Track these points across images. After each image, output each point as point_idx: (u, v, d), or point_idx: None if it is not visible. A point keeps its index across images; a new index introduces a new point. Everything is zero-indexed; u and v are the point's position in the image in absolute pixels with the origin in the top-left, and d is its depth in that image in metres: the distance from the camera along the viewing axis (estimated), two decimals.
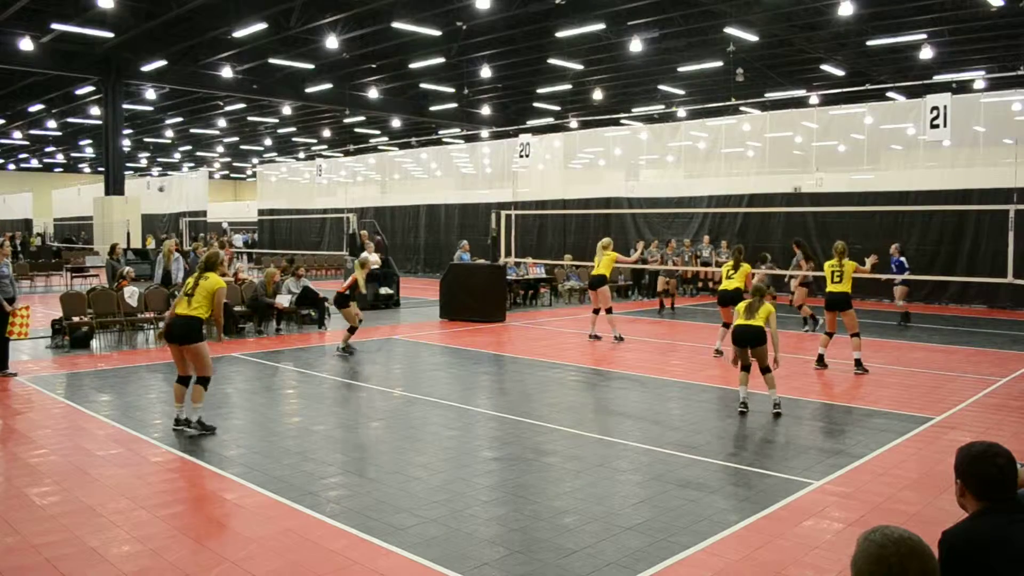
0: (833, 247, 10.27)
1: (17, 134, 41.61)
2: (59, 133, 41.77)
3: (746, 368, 7.87)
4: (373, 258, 17.69)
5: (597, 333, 12.90)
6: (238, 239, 39.10)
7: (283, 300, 13.65)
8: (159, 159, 57.15)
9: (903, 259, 14.95)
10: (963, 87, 19.55)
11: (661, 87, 29.44)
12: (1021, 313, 16.94)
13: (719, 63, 23.95)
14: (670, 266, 17.94)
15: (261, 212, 37.82)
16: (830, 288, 10.11)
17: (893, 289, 15.58)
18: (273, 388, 9.31)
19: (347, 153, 37.57)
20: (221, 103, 34.23)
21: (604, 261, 12.78)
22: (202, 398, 6.94)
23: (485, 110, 34.63)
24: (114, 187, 28.43)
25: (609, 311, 12.73)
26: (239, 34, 22.00)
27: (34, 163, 57.72)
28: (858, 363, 10.01)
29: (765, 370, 7.73)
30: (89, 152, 50.13)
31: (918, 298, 17.96)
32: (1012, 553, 2.28)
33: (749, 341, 7.70)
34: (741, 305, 7.94)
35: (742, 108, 26.54)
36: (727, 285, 11.14)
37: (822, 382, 9.70)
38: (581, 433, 7.06)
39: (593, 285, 12.98)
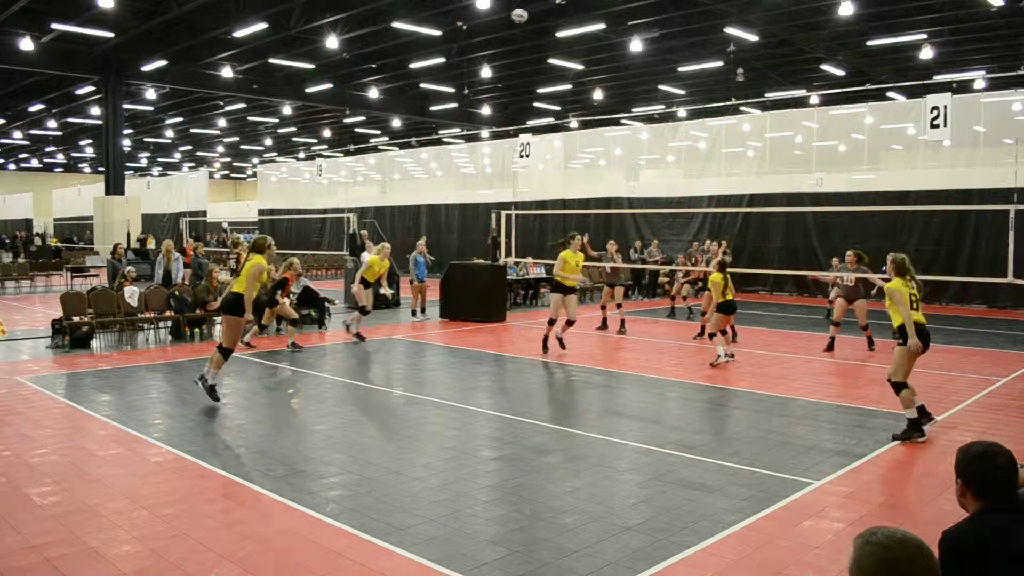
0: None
1: (17, 134, 41.62)
2: (59, 133, 41.78)
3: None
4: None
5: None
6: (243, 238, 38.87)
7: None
8: (159, 159, 57.16)
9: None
10: (963, 87, 19.54)
11: (661, 87, 29.45)
12: (1021, 313, 16.93)
13: (719, 63, 23.95)
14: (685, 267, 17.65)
15: (261, 212, 37.82)
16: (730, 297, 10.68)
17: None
18: (273, 388, 9.31)
19: (347, 153, 37.57)
20: (221, 103, 34.23)
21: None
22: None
23: (485, 110, 34.63)
24: (114, 187, 28.46)
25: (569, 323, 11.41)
26: (239, 34, 22.01)
27: (34, 163, 57.73)
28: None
29: None
30: (89, 152, 50.14)
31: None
32: (1012, 553, 2.28)
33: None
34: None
35: (742, 108, 26.53)
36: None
37: (822, 381, 9.70)
38: (581, 433, 7.06)
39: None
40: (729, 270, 11.41)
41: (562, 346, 11.47)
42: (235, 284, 8.04)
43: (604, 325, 14.18)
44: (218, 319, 13.41)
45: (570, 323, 11.39)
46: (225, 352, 8.00)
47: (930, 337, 6.83)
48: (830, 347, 11.66)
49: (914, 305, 6.78)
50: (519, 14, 17.40)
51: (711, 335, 10.71)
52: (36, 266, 25.57)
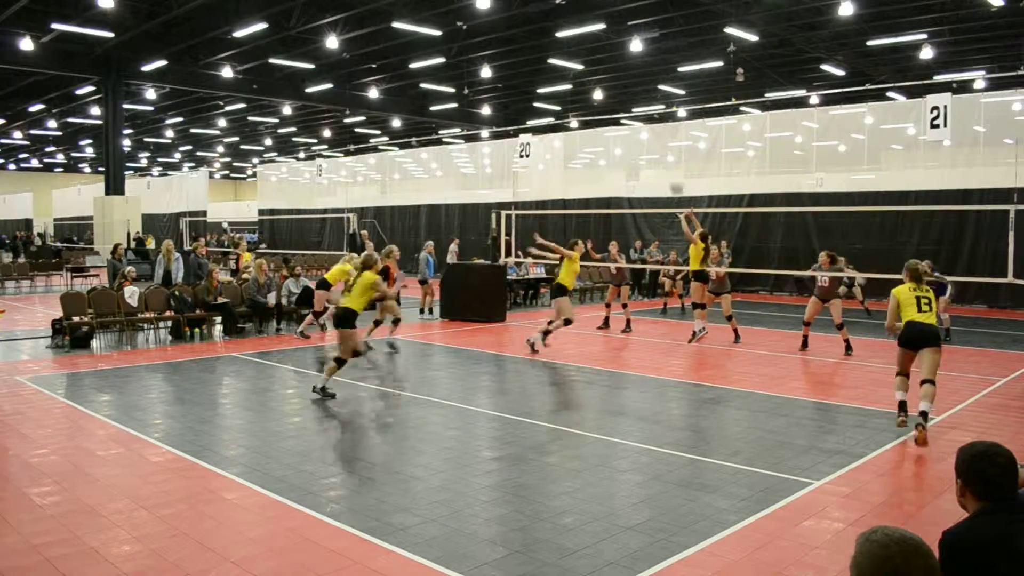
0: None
1: (17, 134, 41.62)
2: (59, 133, 41.77)
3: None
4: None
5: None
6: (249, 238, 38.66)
7: (271, 298, 13.65)
8: (159, 159, 57.17)
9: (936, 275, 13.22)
10: (963, 87, 19.55)
11: (661, 87, 29.45)
12: (1021, 313, 16.93)
13: (719, 63, 23.94)
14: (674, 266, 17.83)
15: (261, 212, 37.84)
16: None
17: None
18: (273, 388, 9.31)
19: (347, 153, 37.59)
20: (221, 103, 34.23)
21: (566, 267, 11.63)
22: None
23: (485, 110, 34.63)
24: (114, 187, 28.46)
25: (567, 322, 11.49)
26: (239, 34, 22.01)
27: (34, 163, 57.73)
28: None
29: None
30: (89, 152, 50.13)
31: None
32: (1012, 553, 2.28)
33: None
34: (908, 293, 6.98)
35: (742, 108, 26.54)
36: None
37: (822, 381, 9.70)
38: (581, 433, 7.05)
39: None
40: (729, 270, 11.58)
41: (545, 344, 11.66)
42: (346, 300, 8.54)
43: (606, 324, 14.27)
44: (218, 319, 13.48)
45: (569, 322, 11.57)
46: (340, 362, 8.43)
47: (922, 336, 6.88)
48: (804, 346, 11.80)
49: (923, 308, 6.96)
50: (676, 188, 17.36)
51: (693, 305, 11.64)
52: (36, 266, 25.56)
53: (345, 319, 8.45)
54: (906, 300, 7.01)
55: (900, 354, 7.04)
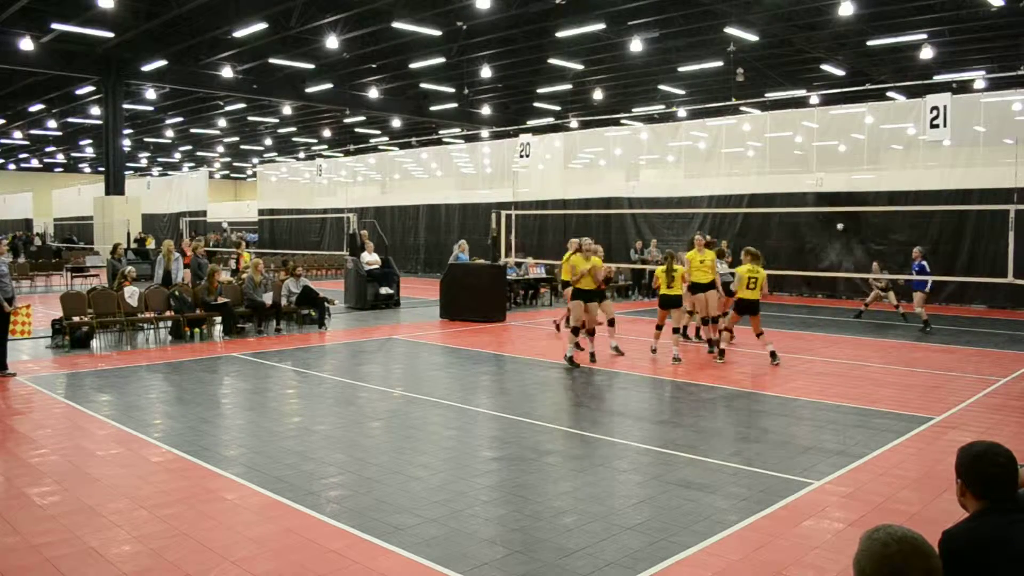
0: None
1: (17, 134, 41.64)
2: (59, 133, 41.79)
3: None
4: (372, 258, 17.74)
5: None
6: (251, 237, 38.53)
7: (267, 298, 13.64)
8: (159, 159, 57.20)
9: (924, 263, 13.68)
10: (963, 87, 19.54)
11: (661, 87, 29.46)
12: (1021, 313, 16.92)
13: (719, 63, 23.96)
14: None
15: (261, 212, 37.80)
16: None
17: (913, 295, 13.96)
18: (273, 388, 9.31)
19: (347, 153, 37.56)
20: (221, 103, 34.25)
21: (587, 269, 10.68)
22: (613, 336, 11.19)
23: (485, 110, 34.65)
24: (114, 187, 28.46)
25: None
26: (239, 34, 22.03)
27: (34, 163, 57.76)
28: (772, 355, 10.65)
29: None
30: (89, 152, 50.16)
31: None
32: (1012, 553, 2.28)
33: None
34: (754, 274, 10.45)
35: (742, 108, 26.53)
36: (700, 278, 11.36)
37: (822, 381, 9.69)
38: (581, 433, 7.06)
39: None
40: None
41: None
42: (583, 282, 10.35)
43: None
44: (218, 319, 13.49)
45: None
46: (575, 331, 10.57)
47: (751, 308, 10.48)
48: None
49: (750, 285, 10.37)
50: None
51: (658, 327, 11.59)
52: (36, 266, 25.55)
53: (588, 297, 10.41)
54: (744, 277, 10.32)
55: (733, 315, 10.74)
